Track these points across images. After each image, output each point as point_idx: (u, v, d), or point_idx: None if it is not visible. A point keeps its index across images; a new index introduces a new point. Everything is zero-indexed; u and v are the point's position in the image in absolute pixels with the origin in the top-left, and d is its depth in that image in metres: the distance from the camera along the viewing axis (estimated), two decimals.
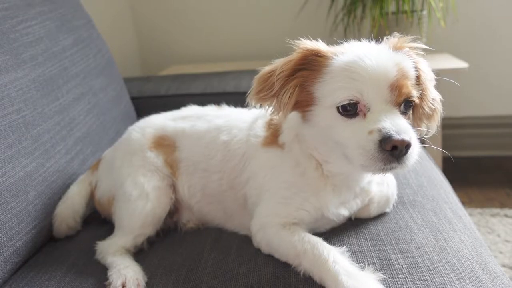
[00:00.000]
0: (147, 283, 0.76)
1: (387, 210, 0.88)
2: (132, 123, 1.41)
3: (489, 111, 2.28)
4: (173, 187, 0.93)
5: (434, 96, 0.75)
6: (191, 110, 1.02)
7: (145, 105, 1.54)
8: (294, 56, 0.72)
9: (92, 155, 1.14)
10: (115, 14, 2.20)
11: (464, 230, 0.82)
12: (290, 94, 0.71)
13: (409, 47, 0.74)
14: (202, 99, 1.24)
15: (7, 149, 0.85)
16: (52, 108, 1.03)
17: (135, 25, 2.38)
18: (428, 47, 0.76)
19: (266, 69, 0.74)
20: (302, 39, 0.73)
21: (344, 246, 0.72)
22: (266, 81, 0.73)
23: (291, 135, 0.80)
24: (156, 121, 1.00)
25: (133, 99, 1.57)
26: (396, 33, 0.75)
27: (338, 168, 0.77)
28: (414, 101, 0.70)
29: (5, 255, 0.80)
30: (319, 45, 0.72)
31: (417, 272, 0.69)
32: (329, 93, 0.69)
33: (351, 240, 0.79)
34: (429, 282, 0.67)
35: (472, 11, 2.09)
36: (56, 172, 0.97)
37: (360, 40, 0.75)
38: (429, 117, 0.76)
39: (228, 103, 1.04)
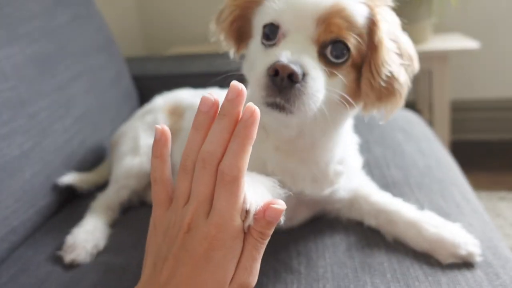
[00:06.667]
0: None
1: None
2: (133, 103, 1.40)
3: (499, 93, 2.22)
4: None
5: (391, 69, 0.59)
6: (213, 90, 1.03)
7: (147, 85, 1.51)
8: None
9: (92, 134, 1.11)
10: None
11: (473, 213, 0.79)
12: (230, 13, 0.66)
13: (379, 5, 0.61)
14: (205, 79, 1.20)
15: (2, 127, 0.83)
16: (49, 86, 1.00)
17: (137, 4, 2.33)
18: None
19: None
20: None
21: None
22: None
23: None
24: (181, 93, 1.06)
25: (135, 78, 1.54)
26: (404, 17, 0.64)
27: (270, 123, 0.67)
28: (347, 47, 0.58)
29: (1, 234, 0.79)
30: None
31: (424, 256, 0.67)
32: (259, 19, 0.64)
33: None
34: (436, 266, 0.64)
35: None
36: (54, 151, 0.95)
37: None
38: (381, 95, 0.61)
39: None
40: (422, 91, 2.17)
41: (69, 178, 0.94)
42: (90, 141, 1.09)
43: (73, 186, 0.96)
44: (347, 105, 0.60)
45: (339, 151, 0.71)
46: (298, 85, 0.54)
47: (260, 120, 0.68)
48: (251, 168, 0.70)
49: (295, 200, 0.72)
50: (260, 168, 0.70)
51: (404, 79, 0.61)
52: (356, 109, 0.66)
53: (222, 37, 0.70)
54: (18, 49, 0.93)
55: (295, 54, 0.55)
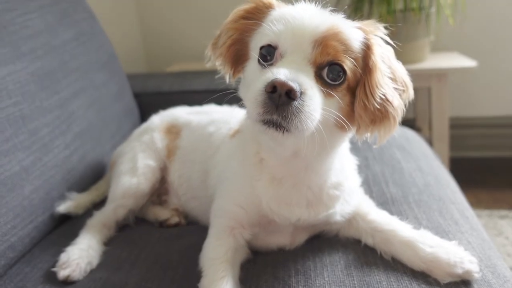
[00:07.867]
0: (143, 278, 0.74)
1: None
2: (134, 119, 1.41)
3: (498, 111, 2.23)
4: (165, 170, 0.97)
5: (385, 92, 0.60)
6: (209, 107, 1.05)
7: (148, 102, 1.52)
8: (245, 6, 0.68)
9: (92, 150, 1.12)
10: (120, 9, 2.19)
11: (471, 231, 0.79)
12: (228, 37, 0.67)
13: (373, 30, 0.63)
14: (206, 96, 1.21)
15: (4, 143, 0.84)
16: (51, 102, 1.01)
17: (140, 22, 2.37)
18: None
19: None
20: None
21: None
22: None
23: (246, 118, 0.73)
24: (176, 112, 1.07)
25: (136, 95, 1.55)
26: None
27: (266, 143, 0.67)
28: (344, 70, 0.59)
29: None
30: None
31: (422, 274, 0.66)
32: (257, 41, 0.64)
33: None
34: (435, 285, 0.64)
35: (481, 9, 2.04)
36: (54, 167, 0.96)
37: None
38: (375, 118, 0.61)
39: (232, 100, 1.01)
40: (422, 109, 2.18)
41: (64, 207, 0.94)
42: (90, 157, 1.10)
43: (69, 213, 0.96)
44: (342, 128, 0.61)
45: (332, 176, 0.71)
46: (295, 102, 0.54)
47: (259, 156, 0.70)
48: (246, 204, 0.72)
49: (292, 228, 0.74)
50: (255, 204, 0.71)
51: (398, 103, 0.61)
52: (350, 133, 0.66)
53: (218, 62, 0.71)
54: (21, 66, 0.95)
55: (293, 72, 0.56)
